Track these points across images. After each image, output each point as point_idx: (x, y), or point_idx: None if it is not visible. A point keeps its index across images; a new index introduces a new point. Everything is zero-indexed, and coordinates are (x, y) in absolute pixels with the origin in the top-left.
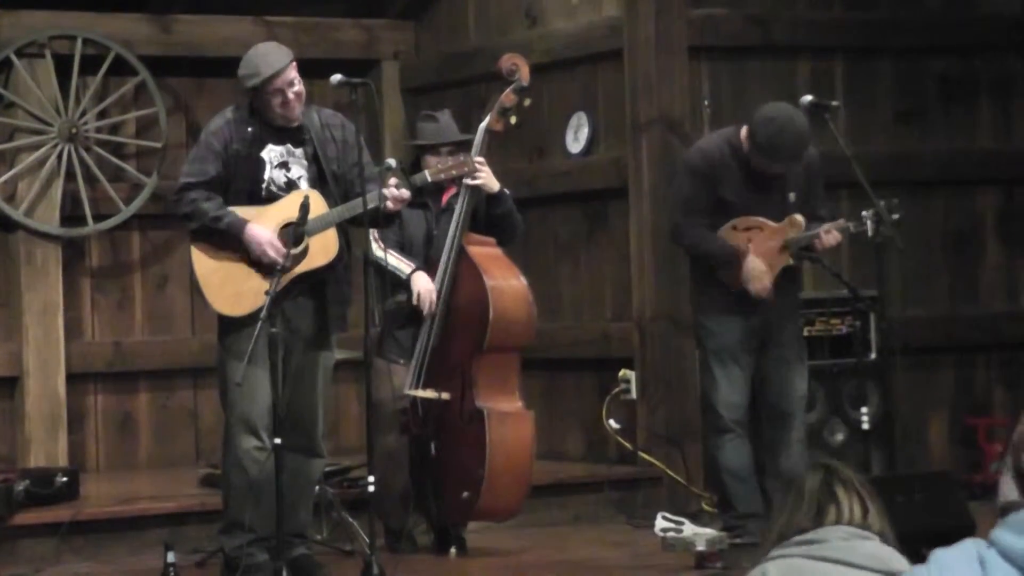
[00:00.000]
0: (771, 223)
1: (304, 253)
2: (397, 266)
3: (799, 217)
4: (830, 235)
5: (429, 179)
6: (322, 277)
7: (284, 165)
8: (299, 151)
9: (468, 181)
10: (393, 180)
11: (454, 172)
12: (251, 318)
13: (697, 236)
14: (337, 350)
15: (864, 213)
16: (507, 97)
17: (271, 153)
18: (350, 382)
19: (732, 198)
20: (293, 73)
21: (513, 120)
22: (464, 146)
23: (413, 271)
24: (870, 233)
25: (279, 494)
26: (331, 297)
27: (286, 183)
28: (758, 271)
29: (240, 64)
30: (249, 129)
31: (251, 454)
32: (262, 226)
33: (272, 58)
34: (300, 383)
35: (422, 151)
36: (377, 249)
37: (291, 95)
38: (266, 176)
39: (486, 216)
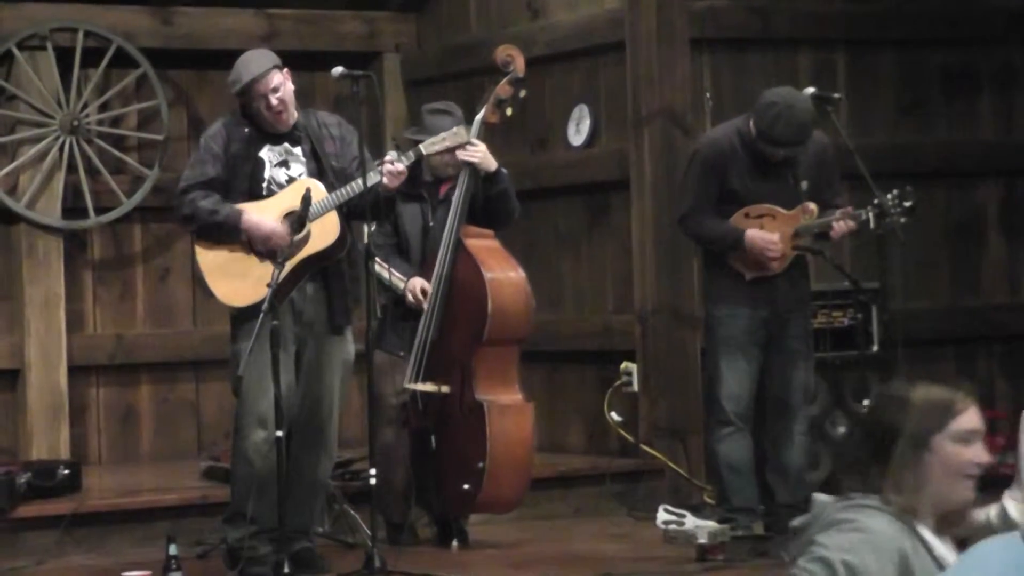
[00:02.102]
0: (783, 210)
1: (306, 239)
2: (395, 284)
3: (812, 205)
4: (843, 223)
5: (424, 152)
6: (326, 266)
7: (284, 163)
8: (297, 149)
9: (462, 156)
10: (389, 156)
11: (448, 143)
12: (255, 309)
13: (702, 224)
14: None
15: (877, 201)
16: (502, 88)
17: (270, 153)
18: (352, 375)
19: (741, 188)
20: (276, 79)
21: (509, 111)
22: None
23: (407, 282)
24: (872, 225)
25: (280, 486)
26: (335, 288)
27: (287, 181)
28: (760, 238)
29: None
30: (246, 131)
31: (258, 447)
32: (261, 214)
33: (253, 65)
34: (312, 377)
35: None
36: (378, 267)
37: (274, 100)
38: (267, 175)
39: (483, 197)
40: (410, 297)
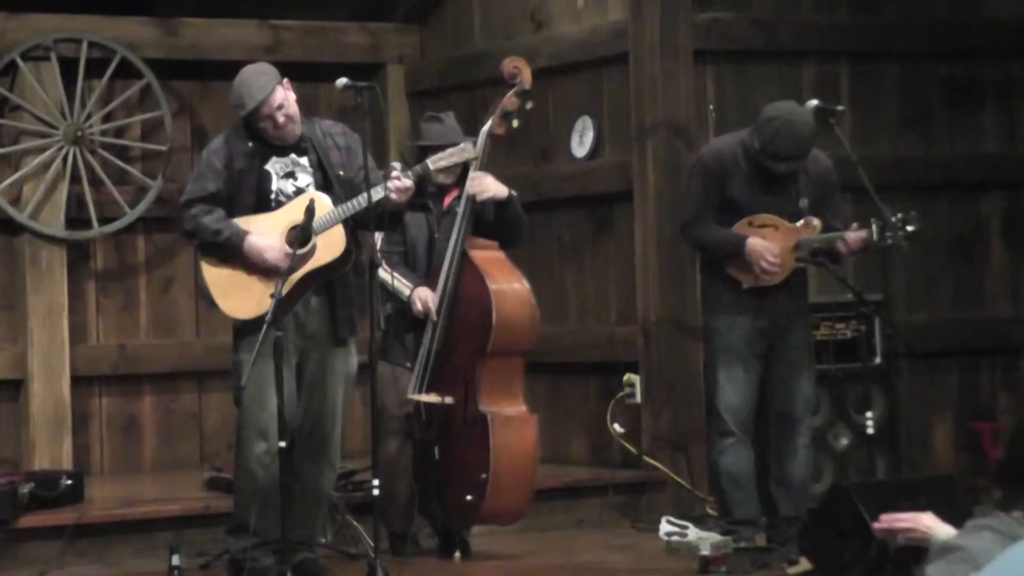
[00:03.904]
0: (786, 223)
1: (311, 252)
2: (399, 289)
3: (817, 221)
4: (860, 234)
5: (431, 167)
6: (331, 279)
7: (291, 175)
8: (304, 160)
9: (470, 189)
10: (395, 171)
11: (455, 159)
12: (259, 321)
13: (703, 231)
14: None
15: (894, 218)
16: (509, 100)
17: (276, 165)
18: (355, 386)
19: (741, 199)
20: (279, 97)
21: (515, 123)
22: None
23: (413, 290)
24: (875, 238)
25: (283, 497)
26: (340, 300)
27: (294, 192)
28: (761, 247)
29: (232, 89)
30: (250, 144)
31: (259, 458)
32: (265, 233)
33: (255, 88)
34: (314, 389)
35: (425, 152)
36: (383, 272)
37: (281, 118)
38: (274, 187)
39: (495, 219)
40: (418, 305)
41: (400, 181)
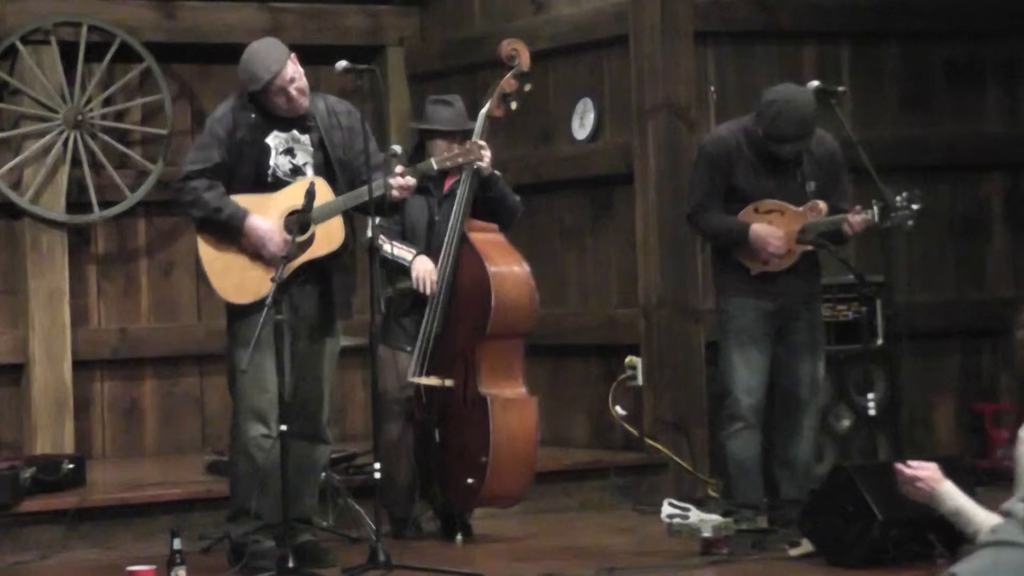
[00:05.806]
0: (792, 207)
1: (309, 241)
2: (400, 255)
3: (822, 204)
4: (860, 216)
5: (435, 167)
6: (327, 264)
7: (290, 151)
8: (305, 138)
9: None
10: (399, 168)
11: (460, 159)
12: (257, 305)
13: (709, 220)
14: (343, 337)
15: (884, 202)
16: (507, 82)
17: (276, 140)
18: (356, 369)
19: (747, 185)
20: (292, 70)
21: (513, 105)
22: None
23: (415, 256)
24: (876, 219)
25: (284, 481)
26: (336, 284)
27: (291, 169)
28: (765, 233)
29: (239, 66)
30: (253, 116)
31: (257, 442)
32: (264, 216)
33: (269, 60)
34: (305, 369)
35: (431, 135)
36: (381, 241)
37: (294, 91)
38: (271, 163)
39: (482, 199)
40: (425, 285)
41: (403, 179)
